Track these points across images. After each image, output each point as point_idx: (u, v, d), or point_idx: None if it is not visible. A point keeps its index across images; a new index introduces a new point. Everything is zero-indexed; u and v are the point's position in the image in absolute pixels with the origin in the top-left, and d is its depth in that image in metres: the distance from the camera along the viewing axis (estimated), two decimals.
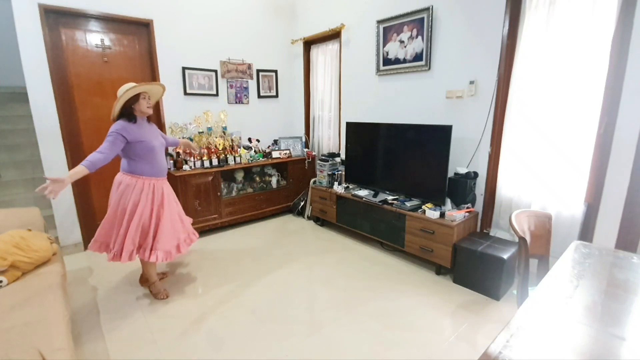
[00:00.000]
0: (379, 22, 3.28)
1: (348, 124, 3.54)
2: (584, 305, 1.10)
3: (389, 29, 3.23)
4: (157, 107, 3.52)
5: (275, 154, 4.15)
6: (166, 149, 2.53)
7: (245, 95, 4.17)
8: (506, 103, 2.56)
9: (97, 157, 1.91)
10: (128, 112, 2.10)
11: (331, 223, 3.74)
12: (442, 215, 2.64)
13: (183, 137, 3.58)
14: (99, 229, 2.18)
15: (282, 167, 4.22)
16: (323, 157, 3.86)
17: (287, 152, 4.24)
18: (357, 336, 1.99)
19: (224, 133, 3.84)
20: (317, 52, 4.29)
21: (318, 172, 3.88)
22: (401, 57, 3.18)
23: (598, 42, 2.10)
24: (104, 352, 1.88)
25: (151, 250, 2.17)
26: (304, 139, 4.44)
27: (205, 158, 3.56)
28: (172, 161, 3.45)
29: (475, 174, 2.73)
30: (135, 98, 2.10)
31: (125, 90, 2.04)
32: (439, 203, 2.77)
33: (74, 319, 2.13)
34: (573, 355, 0.89)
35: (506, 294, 2.39)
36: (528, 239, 1.57)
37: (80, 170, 1.85)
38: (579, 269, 1.35)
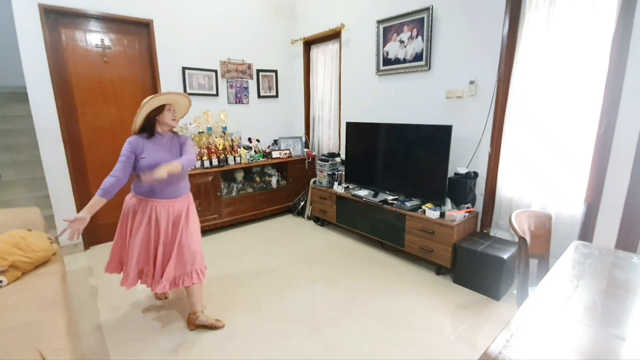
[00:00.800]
0: (379, 22, 3.28)
1: (348, 124, 3.54)
2: (584, 305, 1.10)
3: (389, 29, 3.23)
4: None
5: (275, 154, 4.15)
6: None
7: (245, 95, 4.17)
8: (506, 103, 2.56)
9: (110, 182, 1.81)
10: (151, 124, 1.91)
11: (331, 223, 3.74)
12: (442, 215, 2.64)
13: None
14: (111, 250, 2.05)
15: (282, 167, 4.22)
16: (323, 157, 3.86)
17: (287, 152, 4.24)
18: (357, 336, 1.99)
19: (224, 133, 3.84)
20: (317, 52, 4.29)
21: (318, 172, 3.88)
22: (401, 57, 3.18)
23: (598, 42, 2.10)
24: (104, 351, 1.88)
25: (153, 277, 1.96)
26: (304, 139, 4.44)
27: (205, 158, 3.56)
28: None
29: (475, 174, 2.73)
30: (160, 109, 1.91)
31: (148, 100, 1.85)
32: (439, 203, 2.77)
33: (74, 319, 2.13)
34: (573, 355, 0.89)
35: (506, 294, 2.39)
36: (528, 239, 1.57)
37: (97, 200, 1.76)
38: (579, 269, 1.35)
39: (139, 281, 1.98)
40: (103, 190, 1.79)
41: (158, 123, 1.93)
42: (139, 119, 1.88)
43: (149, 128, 1.91)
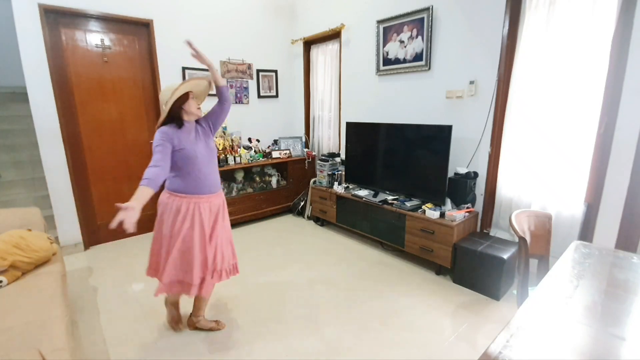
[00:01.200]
0: (379, 22, 3.28)
1: (348, 124, 3.54)
2: (584, 305, 1.10)
3: (389, 29, 3.23)
4: (157, 106, 3.52)
5: (275, 154, 4.15)
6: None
7: (245, 95, 4.17)
8: (506, 103, 2.56)
9: (153, 171, 1.60)
10: (177, 116, 1.77)
11: (331, 223, 3.74)
12: (442, 215, 2.64)
13: None
14: (150, 254, 1.91)
15: (282, 167, 4.22)
16: (323, 157, 3.86)
17: (287, 152, 4.24)
18: (357, 336, 1.99)
19: (224, 133, 3.84)
20: (317, 52, 4.29)
21: (318, 172, 3.88)
22: (401, 57, 3.18)
23: (598, 42, 2.10)
24: (104, 352, 1.88)
25: (189, 284, 1.82)
26: (304, 139, 4.44)
27: None
28: None
29: (475, 174, 2.73)
30: (184, 98, 1.79)
31: (174, 90, 1.74)
32: (439, 203, 2.77)
33: (74, 319, 2.13)
34: (573, 355, 0.89)
35: (506, 294, 2.39)
36: (528, 239, 1.57)
37: (145, 191, 1.53)
38: (579, 269, 1.34)
39: (174, 290, 1.83)
40: (149, 180, 1.56)
41: (185, 112, 1.80)
42: (166, 111, 1.75)
43: (177, 118, 1.77)
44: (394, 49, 3.23)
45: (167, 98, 1.74)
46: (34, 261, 1.95)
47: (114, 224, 1.35)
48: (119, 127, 3.34)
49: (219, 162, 3.62)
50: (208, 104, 2.09)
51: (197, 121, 1.91)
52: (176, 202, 1.78)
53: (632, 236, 2.08)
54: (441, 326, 2.07)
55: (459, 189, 2.70)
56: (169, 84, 1.80)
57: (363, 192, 3.31)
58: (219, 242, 1.89)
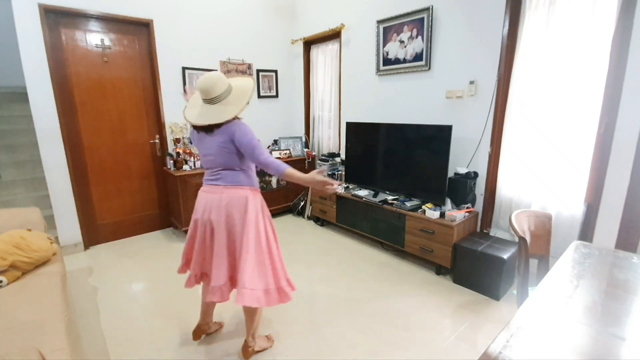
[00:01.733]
0: (379, 22, 3.28)
1: (348, 124, 3.54)
2: (584, 305, 1.10)
3: (389, 29, 3.23)
4: (157, 106, 3.52)
5: (275, 154, 4.15)
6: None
7: None
8: (506, 103, 2.56)
9: (276, 159, 1.63)
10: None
11: (331, 223, 3.74)
12: (442, 215, 2.64)
13: (184, 137, 3.57)
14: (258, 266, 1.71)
15: None
16: (323, 157, 3.86)
17: (287, 152, 4.24)
18: (357, 336, 1.99)
19: None
20: (317, 52, 4.29)
21: None
22: (401, 57, 3.18)
23: (598, 42, 2.10)
24: (104, 352, 1.88)
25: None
26: (304, 139, 4.44)
27: None
28: (172, 161, 3.45)
29: (475, 174, 2.73)
30: None
31: (251, 90, 1.71)
32: (439, 203, 2.77)
33: (73, 319, 2.13)
34: (573, 355, 0.89)
35: (506, 294, 2.39)
36: (528, 239, 1.57)
37: (293, 170, 1.60)
38: (579, 269, 1.34)
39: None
40: (285, 163, 1.61)
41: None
42: (245, 104, 1.67)
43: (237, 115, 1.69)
44: (394, 49, 3.23)
45: (224, 87, 1.65)
46: (34, 261, 1.95)
47: (333, 189, 1.62)
48: (119, 127, 3.34)
49: None
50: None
51: None
52: (258, 198, 1.73)
53: (632, 236, 2.08)
54: (441, 326, 2.07)
55: (459, 189, 2.70)
56: (215, 74, 1.65)
57: (363, 192, 3.31)
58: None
